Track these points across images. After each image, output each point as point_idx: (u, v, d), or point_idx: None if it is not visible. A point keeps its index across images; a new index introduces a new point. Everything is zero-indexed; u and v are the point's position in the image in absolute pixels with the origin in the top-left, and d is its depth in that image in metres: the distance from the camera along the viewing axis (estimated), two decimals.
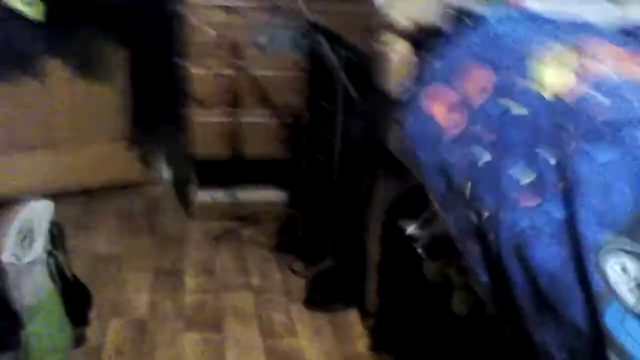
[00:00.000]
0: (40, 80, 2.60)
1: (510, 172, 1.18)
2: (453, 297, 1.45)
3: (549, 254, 0.96)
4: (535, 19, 1.51)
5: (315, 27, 2.16)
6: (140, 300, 2.06)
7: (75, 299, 1.83)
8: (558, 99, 1.22)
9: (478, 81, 1.41)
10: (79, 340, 1.84)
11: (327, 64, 2.02)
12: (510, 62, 1.36)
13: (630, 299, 0.79)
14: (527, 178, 1.13)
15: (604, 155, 1.01)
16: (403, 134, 1.52)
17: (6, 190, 2.58)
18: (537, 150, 1.17)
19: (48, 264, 1.72)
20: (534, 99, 1.26)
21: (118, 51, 2.71)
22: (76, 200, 2.70)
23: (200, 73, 2.45)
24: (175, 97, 2.62)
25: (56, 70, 2.63)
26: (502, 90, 1.34)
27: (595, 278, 0.83)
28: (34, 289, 1.67)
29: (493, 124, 1.31)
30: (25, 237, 1.78)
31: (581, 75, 1.25)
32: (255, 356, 1.83)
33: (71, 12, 2.50)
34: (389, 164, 1.72)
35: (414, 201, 1.62)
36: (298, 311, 2.05)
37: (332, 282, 2.09)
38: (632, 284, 0.80)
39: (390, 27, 1.71)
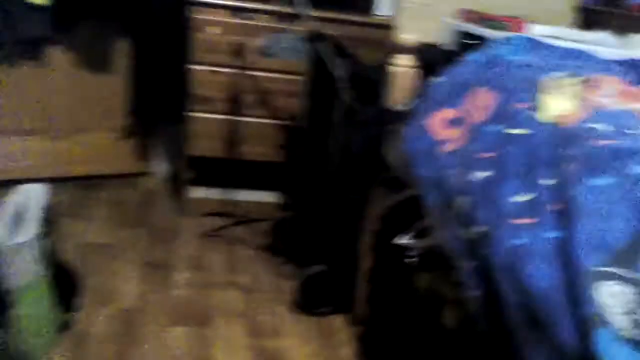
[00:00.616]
0: (42, 65, 2.61)
1: (507, 190, 1.20)
2: (444, 309, 1.47)
3: (541, 274, 0.98)
4: (540, 46, 1.54)
5: (321, 36, 2.18)
6: (128, 291, 2.07)
7: (64, 284, 1.85)
8: (559, 124, 1.24)
9: (480, 101, 1.44)
10: (66, 326, 1.85)
11: (330, 73, 2.05)
12: (512, 86, 1.39)
13: (620, 324, 0.81)
14: (523, 197, 1.15)
15: (602, 181, 1.03)
16: (402, 147, 1.54)
17: (1, 173, 2.58)
18: (535, 170, 1.19)
19: (38, 247, 1.73)
20: (535, 122, 1.28)
21: (122, 42, 2.73)
22: (70, 187, 2.71)
23: (203, 71, 2.47)
24: (177, 92, 2.64)
25: (58, 56, 2.64)
26: (504, 111, 1.36)
27: (587, 301, 0.85)
28: (24, 271, 1.68)
29: (492, 142, 1.33)
30: (16, 219, 1.79)
31: (583, 103, 1.27)
32: (241, 354, 1.85)
33: None
34: (385, 175, 1.74)
35: (409, 212, 1.64)
36: (285, 313, 2.07)
37: (321, 287, 2.11)
38: (623, 309, 0.82)
39: (398, 44, 1.73)
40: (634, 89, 1.35)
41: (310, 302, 2.08)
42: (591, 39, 1.86)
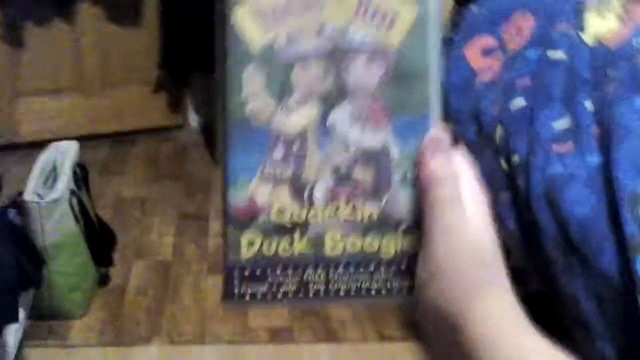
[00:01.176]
0: (71, 21, 2.58)
1: (545, 116, 1.12)
2: None
3: (581, 200, 0.91)
4: None
5: None
6: (164, 243, 2.07)
7: (99, 239, 1.84)
8: (600, 44, 1.16)
9: (519, 25, 1.35)
10: (102, 280, 1.85)
11: None
12: (551, 8, 1.30)
13: None
14: (562, 123, 1.07)
15: None
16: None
17: (34, 132, 2.59)
18: (574, 95, 1.11)
19: (71, 203, 1.72)
20: (574, 44, 1.20)
21: None
22: (103, 143, 2.70)
23: None
24: (208, 42, 2.58)
25: (87, 11, 2.60)
26: (544, 34, 1.28)
27: (629, 225, 0.78)
28: (57, 228, 1.67)
29: (529, 68, 1.25)
30: (48, 176, 1.78)
31: (625, 20, 1.18)
32: None
33: None
34: None
35: None
36: None
37: None
38: None
39: None
40: None
41: None
42: None
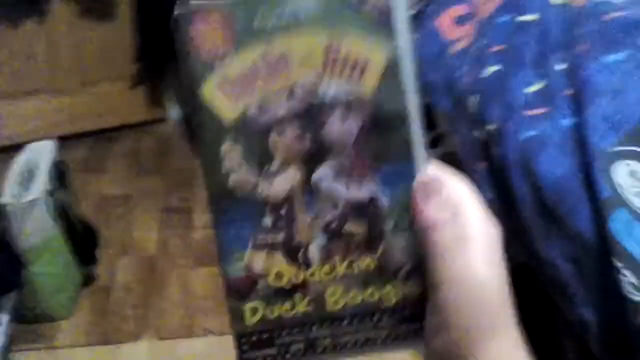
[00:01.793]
0: (43, 21, 2.55)
1: (518, 81, 1.11)
2: None
3: (554, 163, 0.89)
4: None
5: None
6: (149, 238, 2.04)
7: (82, 238, 1.82)
8: (571, 3, 1.14)
9: None
10: (88, 279, 1.83)
11: None
12: None
13: (637, 203, 0.72)
14: (534, 86, 1.06)
15: (614, 57, 0.94)
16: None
17: (12, 135, 2.55)
18: (547, 58, 1.10)
19: (51, 203, 1.69)
20: (544, 6, 1.18)
21: None
22: (83, 142, 2.67)
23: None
24: None
25: (59, 10, 2.56)
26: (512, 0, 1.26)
27: (602, 184, 0.77)
28: (37, 229, 1.65)
29: (501, 33, 1.24)
30: (25, 177, 1.75)
31: None
32: None
33: None
34: None
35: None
36: None
37: None
38: None
39: None
40: None
41: None
42: None
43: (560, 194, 0.84)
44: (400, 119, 0.40)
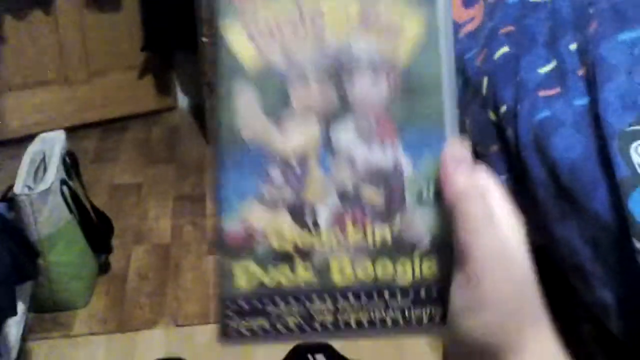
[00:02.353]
0: (49, 11, 2.54)
1: (530, 62, 1.10)
2: None
3: (569, 144, 0.89)
4: None
5: None
6: (162, 226, 2.05)
7: (95, 227, 1.83)
8: None
9: None
10: (103, 268, 1.84)
11: None
12: None
13: None
14: (546, 67, 1.05)
15: (627, 35, 0.93)
16: None
17: (21, 127, 2.56)
18: (559, 38, 1.08)
19: (63, 193, 1.70)
20: None
21: None
22: (94, 132, 2.67)
23: None
24: (189, 20, 2.54)
25: (64, 1, 2.56)
26: None
27: (619, 163, 0.76)
28: (51, 218, 1.66)
29: (511, 14, 1.23)
30: (38, 168, 1.76)
31: None
32: None
33: None
34: None
35: None
36: None
37: None
38: None
39: None
40: None
41: None
42: None
43: (576, 175, 0.83)
44: (433, 85, 0.38)
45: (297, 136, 0.38)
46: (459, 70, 1.30)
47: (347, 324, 0.38)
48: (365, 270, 0.38)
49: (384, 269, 0.38)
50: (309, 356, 1.38)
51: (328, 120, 0.38)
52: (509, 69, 1.14)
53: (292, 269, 0.38)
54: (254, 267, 0.38)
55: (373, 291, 0.38)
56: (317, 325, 0.38)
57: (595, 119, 0.87)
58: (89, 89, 2.72)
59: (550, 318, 0.38)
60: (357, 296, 0.38)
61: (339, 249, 0.38)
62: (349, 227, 0.38)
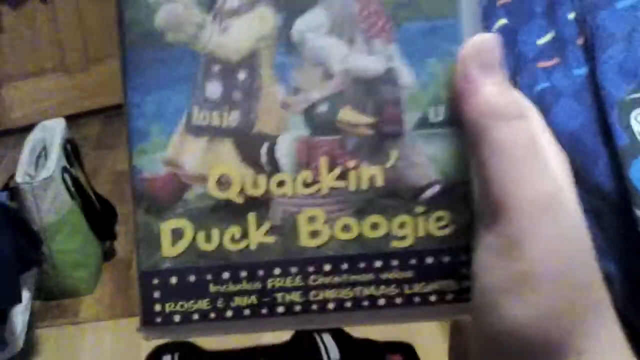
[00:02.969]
0: (47, 1, 2.53)
1: (527, 33, 1.08)
2: None
3: (569, 114, 0.88)
4: None
5: None
6: None
7: (100, 214, 1.83)
8: None
9: None
10: (108, 254, 1.84)
11: None
12: None
13: None
14: (544, 37, 1.04)
15: (625, 2, 0.92)
16: None
17: (23, 117, 2.56)
18: (555, 6, 1.07)
19: (64, 180, 1.70)
20: None
21: None
22: (95, 120, 2.67)
23: None
24: None
25: None
26: None
27: (619, 132, 0.75)
28: (54, 206, 1.66)
29: None
30: (39, 156, 1.76)
31: None
32: None
33: None
34: None
35: None
36: None
37: None
38: None
39: None
40: None
41: None
42: None
43: (577, 145, 0.83)
44: None
45: (243, 29, 0.26)
46: None
47: (323, 306, 0.26)
48: (346, 229, 0.26)
49: (374, 227, 0.26)
50: (316, 336, 1.37)
51: (290, 8, 0.26)
52: (508, 41, 1.13)
53: (242, 229, 0.26)
54: (186, 226, 0.27)
55: (357, 258, 0.26)
56: (279, 308, 0.26)
57: (595, 88, 0.86)
58: (88, 76, 2.71)
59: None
60: (336, 267, 0.26)
61: (309, 198, 0.26)
62: (323, 166, 0.26)
